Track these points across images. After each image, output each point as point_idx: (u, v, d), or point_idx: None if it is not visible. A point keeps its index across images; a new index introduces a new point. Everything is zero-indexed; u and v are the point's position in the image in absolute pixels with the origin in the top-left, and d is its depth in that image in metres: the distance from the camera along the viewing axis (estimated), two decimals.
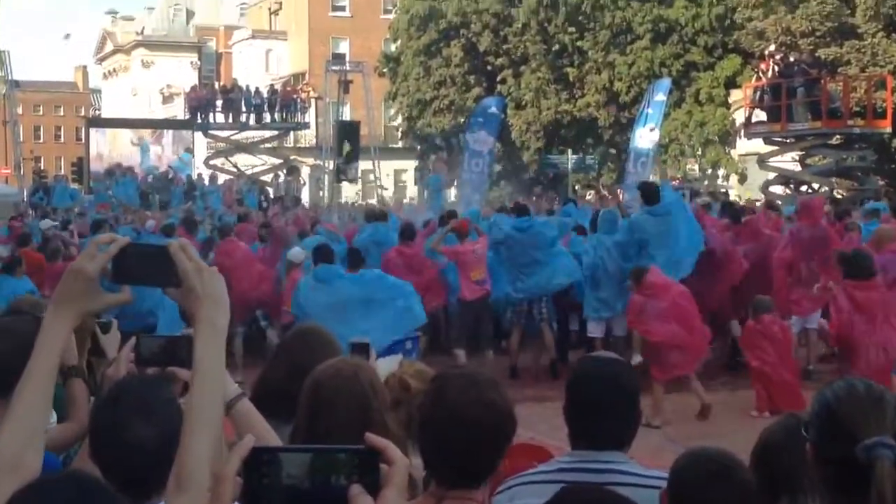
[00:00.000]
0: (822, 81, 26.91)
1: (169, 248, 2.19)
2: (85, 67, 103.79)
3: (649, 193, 12.77)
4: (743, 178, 38.95)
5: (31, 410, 2.20)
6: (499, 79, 43.57)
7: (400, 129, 52.15)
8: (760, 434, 3.10)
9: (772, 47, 32.75)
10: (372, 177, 41.81)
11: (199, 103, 37.50)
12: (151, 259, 2.21)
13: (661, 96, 27.18)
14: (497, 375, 11.05)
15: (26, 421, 2.18)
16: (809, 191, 27.29)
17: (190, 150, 50.00)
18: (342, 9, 63.65)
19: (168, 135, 61.54)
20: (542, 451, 3.82)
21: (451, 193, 38.13)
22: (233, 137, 38.54)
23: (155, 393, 2.56)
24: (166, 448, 2.44)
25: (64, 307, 2.25)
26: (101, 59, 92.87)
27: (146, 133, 62.08)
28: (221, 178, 36.27)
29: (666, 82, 29.07)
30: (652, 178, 31.33)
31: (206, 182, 33.99)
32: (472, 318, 12.64)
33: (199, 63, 78.60)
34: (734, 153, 39.84)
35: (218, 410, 2.13)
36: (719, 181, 41.15)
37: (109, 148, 64.49)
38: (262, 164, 39.59)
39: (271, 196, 32.68)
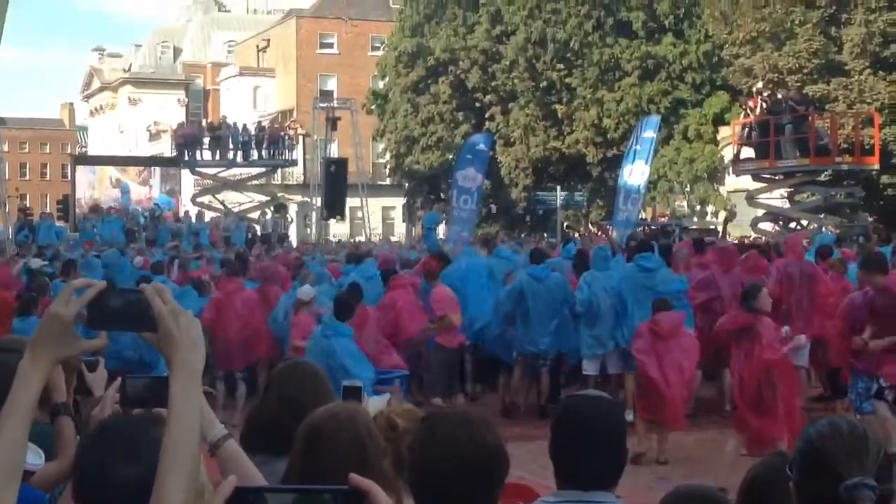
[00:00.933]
0: (810, 118, 27.04)
1: (144, 293, 2.21)
2: (71, 104, 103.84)
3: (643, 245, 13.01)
4: (732, 215, 39.05)
5: (6, 453, 2.21)
6: (487, 115, 43.76)
7: (388, 166, 52.16)
8: (747, 472, 3.12)
9: (759, 84, 33.03)
10: (360, 214, 41.86)
11: (186, 140, 37.41)
12: (127, 304, 2.22)
13: (650, 133, 27.16)
14: (486, 413, 11.02)
15: (1, 463, 2.20)
16: (798, 227, 27.37)
17: (174, 193, 50.11)
18: (330, 46, 63.90)
19: (156, 173, 61.82)
20: (529, 490, 3.82)
21: (440, 230, 38.15)
22: (220, 175, 38.49)
23: (139, 433, 2.55)
24: (150, 488, 2.45)
25: (40, 351, 2.27)
26: (88, 97, 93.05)
27: (132, 172, 62.36)
28: (208, 216, 36.18)
29: (655, 119, 29.11)
30: (641, 216, 31.49)
31: (193, 219, 33.93)
32: (449, 366, 12.40)
33: (186, 100, 78.75)
34: (723, 190, 39.99)
35: (192, 451, 2.16)
36: (708, 218, 41.30)
37: (97, 186, 64.79)
38: (250, 202, 39.51)
39: (258, 233, 32.59)
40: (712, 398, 12.74)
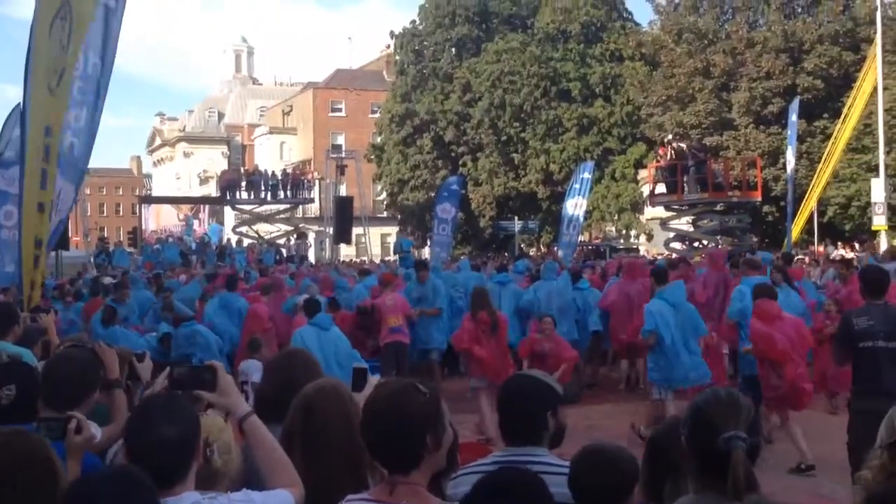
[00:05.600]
0: (708, 162, 27.24)
1: (212, 366, 2.81)
2: (139, 157, 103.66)
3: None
4: (650, 237, 39.22)
5: None
6: (460, 163, 43.80)
7: (385, 203, 52.18)
8: (651, 432, 3.09)
9: (669, 136, 33.22)
10: (363, 240, 41.76)
11: (229, 184, 37.28)
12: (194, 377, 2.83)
13: (586, 175, 27.25)
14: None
15: None
16: (701, 246, 27.46)
17: (220, 223, 49.85)
18: (339, 110, 64.05)
19: (206, 209, 61.61)
20: (485, 448, 3.79)
21: (425, 252, 38.08)
22: (255, 210, 38.28)
23: (176, 405, 2.56)
24: (185, 447, 2.43)
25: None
26: (152, 151, 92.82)
27: (188, 210, 62.11)
28: (245, 242, 36.01)
29: (590, 164, 29.23)
30: (581, 239, 31.52)
31: (234, 245, 33.77)
32: (392, 360, 11.24)
33: (228, 153, 78.54)
34: (642, 218, 40.18)
35: (280, 454, 2.75)
36: (632, 240, 41.45)
37: (156, 219, 64.43)
38: (278, 231, 39.29)
39: (284, 255, 32.42)
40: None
